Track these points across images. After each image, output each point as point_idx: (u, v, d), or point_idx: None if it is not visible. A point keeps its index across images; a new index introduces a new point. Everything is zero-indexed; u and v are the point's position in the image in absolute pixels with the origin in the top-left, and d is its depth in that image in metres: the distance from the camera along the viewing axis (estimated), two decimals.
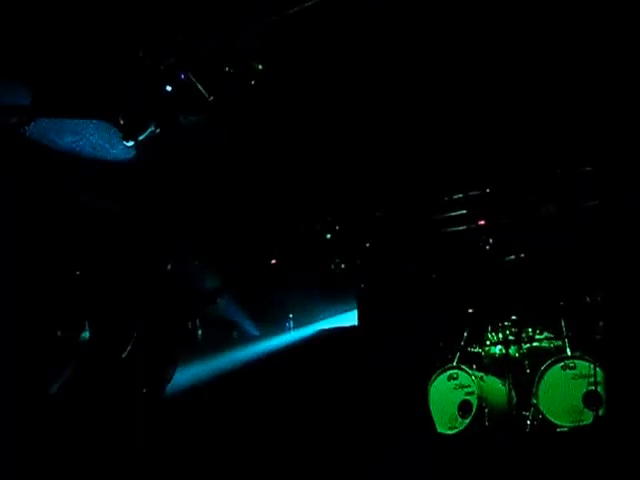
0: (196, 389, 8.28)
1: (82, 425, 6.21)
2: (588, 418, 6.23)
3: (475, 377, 7.03)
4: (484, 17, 5.53)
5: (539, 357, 6.99)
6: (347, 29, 5.67)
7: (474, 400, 6.87)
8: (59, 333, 6.36)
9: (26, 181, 6.10)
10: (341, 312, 9.09)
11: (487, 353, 7.62)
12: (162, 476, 6.69)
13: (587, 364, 6.44)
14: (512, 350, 7.33)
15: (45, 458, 5.74)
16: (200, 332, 7.92)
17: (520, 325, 7.36)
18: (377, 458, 6.49)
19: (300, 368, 7.90)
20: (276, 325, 9.39)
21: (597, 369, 6.25)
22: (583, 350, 6.69)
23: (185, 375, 8.12)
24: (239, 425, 7.14)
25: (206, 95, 6.10)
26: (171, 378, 7.54)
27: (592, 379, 6.26)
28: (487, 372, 7.42)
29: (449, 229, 8.31)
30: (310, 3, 5.39)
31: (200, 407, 7.79)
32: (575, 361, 6.62)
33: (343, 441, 6.80)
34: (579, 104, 6.30)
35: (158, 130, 6.33)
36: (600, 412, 6.14)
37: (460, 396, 7.01)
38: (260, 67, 6.03)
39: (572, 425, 6.33)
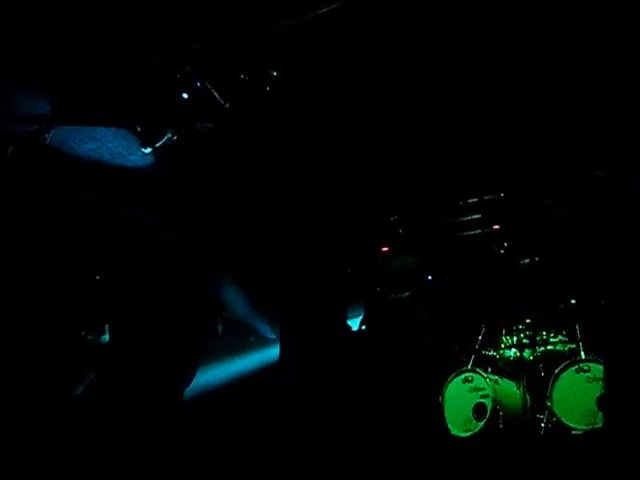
0: (215, 392, 8.36)
1: (102, 427, 6.28)
2: (602, 421, 6.22)
3: (490, 380, 7.04)
4: (497, 23, 5.59)
5: (553, 360, 6.98)
6: (361, 35, 5.73)
7: (489, 403, 6.89)
8: (83, 334, 6.46)
9: (46, 187, 6.21)
10: (357, 316, 9.11)
11: (502, 356, 7.63)
12: (181, 478, 6.77)
13: (601, 367, 6.43)
14: (526, 353, 7.32)
15: (64, 459, 5.82)
16: (220, 329, 7.99)
17: (534, 328, 7.37)
18: (391, 460, 6.53)
19: (315, 370, 7.94)
20: None
21: None
22: (597, 353, 6.69)
23: (204, 378, 8.20)
24: (257, 427, 7.18)
25: (222, 102, 6.18)
26: (190, 381, 7.61)
27: None
28: (502, 375, 7.43)
29: (463, 233, 8.34)
30: (324, 10, 5.47)
31: (219, 409, 7.85)
32: (589, 364, 6.60)
33: (358, 443, 6.84)
34: (593, 108, 6.32)
35: (175, 137, 6.42)
36: None
37: (475, 399, 7.03)
38: (274, 73, 6.09)
39: (586, 428, 6.29)
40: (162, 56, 5.88)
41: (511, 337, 7.59)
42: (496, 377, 7.27)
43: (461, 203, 8.13)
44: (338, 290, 8.48)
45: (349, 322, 9.03)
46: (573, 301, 7.27)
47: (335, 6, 5.46)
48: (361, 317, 8.86)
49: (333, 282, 8.30)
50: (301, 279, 7.98)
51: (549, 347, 7.28)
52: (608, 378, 5.77)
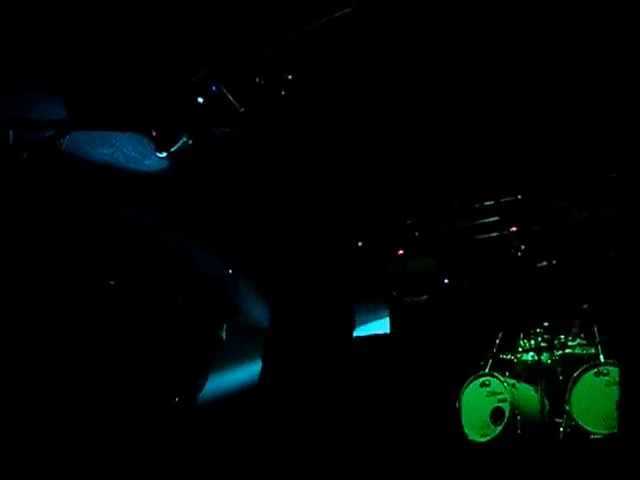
0: (229, 396, 8.36)
1: (113, 432, 6.29)
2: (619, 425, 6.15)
3: (507, 384, 6.98)
4: (513, 27, 5.56)
5: (572, 364, 6.91)
6: (375, 38, 5.72)
7: (506, 407, 6.82)
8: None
9: (60, 191, 6.24)
10: (373, 320, 9.10)
11: (519, 360, 7.57)
12: None
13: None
14: (544, 357, 7.26)
15: (72, 461, 5.83)
16: (224, 337, 7.98)
17: (552, 332, 7.31)
18: (408, 465, 6.49)
19: (332, 376, 7.92)
20: None
21: None
22: (617, 356, 6.61)
23: (218, 382, 8.20)
24: (271, 432, 7.16)
25: (237, 106, 6.18)
26: (203, 386, 7.61)
27: None
28: (519, 379, 7.37)
29: (481, 236, 8.30)
30: (339, 14, 5.46)
31: (234, 414, 7.83)
32: (608, 367, 6.53)
33: (374, 448, 6.81)
34: (610, 110, 6.27)
35: (190, 141, 6.43)
36: None
37: (492, 403, 6.97)
38: (290, 77, 6.09)
39: (606, 432, 6.22)
40: (177, 60, 5.89)
41: (529, 341, 7.53)
42: (514, 381, 7.21)
43: (478, 205, 8.09)
44: (347, 292, 8.43)
45: (371, 325, 9.04)
46: (591, 304, 7.20)
47: (349, 10, 5.46)
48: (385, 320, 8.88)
49: (343, 284, 8.26)
50: (311, 280, 7.95)
51: (567, 350, 7.20)
52: (625, 382, 5.71)
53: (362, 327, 9.06)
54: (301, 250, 7.93)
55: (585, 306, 7.23)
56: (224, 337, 7.98)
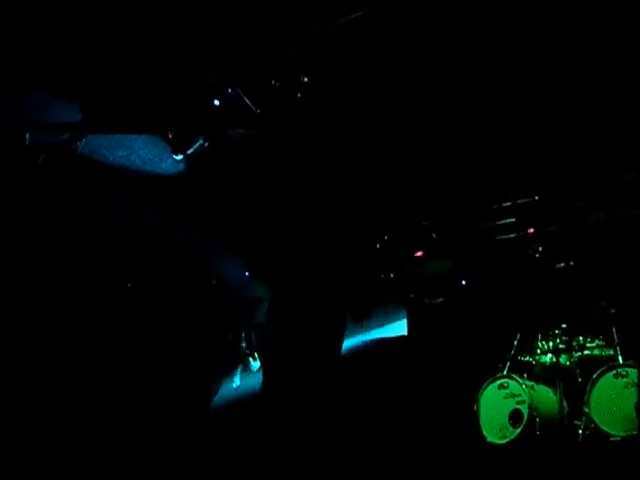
0: (251, 396, 8.37)
1: (124, 436, 6.31)
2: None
3: (526, 386, 6.96)
4: (526, 25, 5.54)
5: (590, 365, 6.88)
6: (391, 41, 5.72)
7: (525, 409, 6.80)
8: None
9: (76, 194, 6.28)
10: (391, 322, 9.08)
11: (538, 362, 7.53)
12: None
13: None
14: (563, 359, 7.24)
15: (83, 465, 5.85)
16: (245, 345, 7.99)
17: (571, 333, 7.27)
18: (426, 468, 6.48)
19: (349, 378, 7.92)
20: None
21: None
22: (635, 358, 6.57)
23: (232, 386, 8.22)
24: (273, 432, 7.15)
25: (254, 108, 6.19)
26: (217, 391, 7.62)
27: None
28: (538, 381, 7.33)
29: (498, 237, 8.27)
30: (355, 15, 5.46)
31: (238, 416, 7.83)
32: (627, 369, 6.49)
33: (392, 449, 6.81)
34: (631, 111, 6.23)
35: (207, 144, 6.45)
36: None
37: (511, 405, 6.94)
38: (306, 80, 6.09)
39: (625, 434, 6.19)
40: (193, 63, 5.91)
41: (547, 342, 7.50)
42: (532, 383, 7.18)
43: (495, 207, 8.06)
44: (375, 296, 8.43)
45: (388, 327, 9.02)
46: (610, 305, 7.15)
47: (361, 13, 5.45)
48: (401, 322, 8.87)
49: (342, 283, 8.24)
50: (311, 280, 7.94)
51: (586, 352, 7.18)
52: None
53: (380, 329, 9.07)
54: (302, 250, 7.93)
55: (603, 304, 7.19)
56: (244, 347, 8.00)
